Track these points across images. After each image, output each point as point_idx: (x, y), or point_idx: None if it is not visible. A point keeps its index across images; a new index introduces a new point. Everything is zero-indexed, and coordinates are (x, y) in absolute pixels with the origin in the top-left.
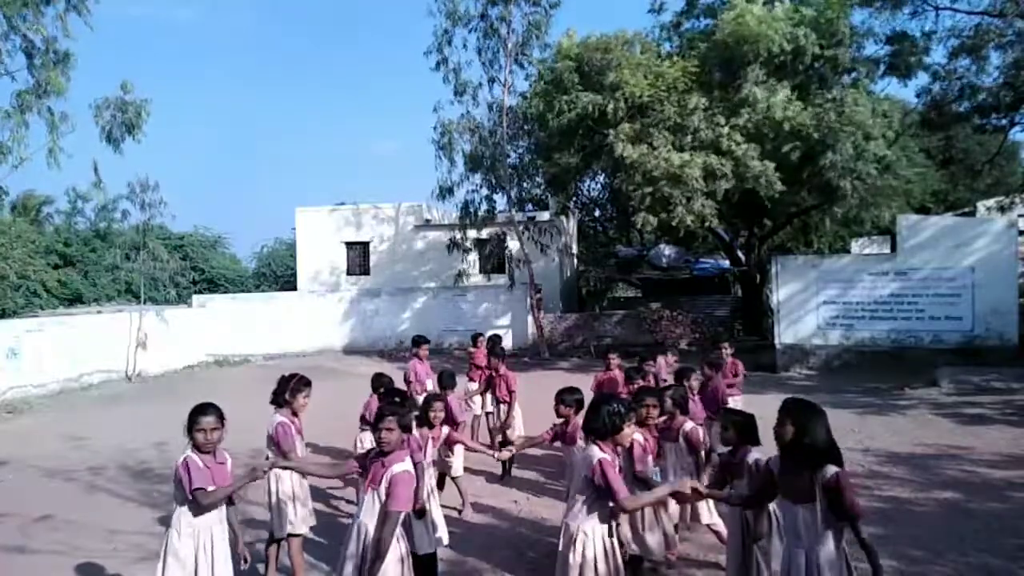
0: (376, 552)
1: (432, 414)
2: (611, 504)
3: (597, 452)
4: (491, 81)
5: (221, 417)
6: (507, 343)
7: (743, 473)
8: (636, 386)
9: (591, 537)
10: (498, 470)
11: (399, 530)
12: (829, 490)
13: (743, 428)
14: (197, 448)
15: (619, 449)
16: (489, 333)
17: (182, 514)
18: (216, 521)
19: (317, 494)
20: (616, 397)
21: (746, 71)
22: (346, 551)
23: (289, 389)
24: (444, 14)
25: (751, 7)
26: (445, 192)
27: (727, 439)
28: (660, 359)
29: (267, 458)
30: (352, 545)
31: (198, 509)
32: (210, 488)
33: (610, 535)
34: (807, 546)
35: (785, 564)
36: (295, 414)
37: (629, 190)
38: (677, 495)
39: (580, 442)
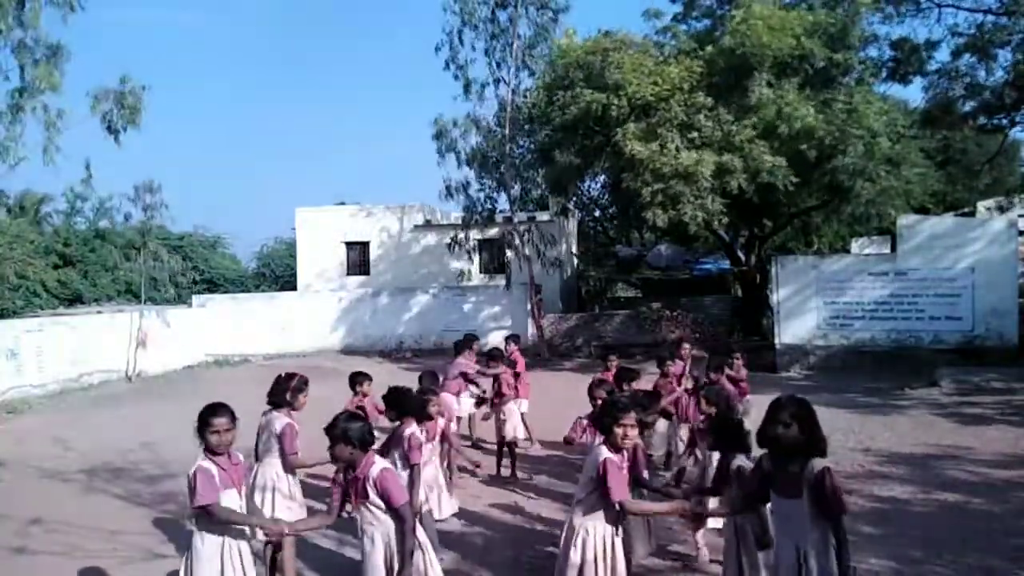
0: (404, 551)
1: (432, 408)
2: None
3: (604, 451)
4: (496, 82)
5: (233, 417)
6: None
7: (730, 480)
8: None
9: (592, 535)
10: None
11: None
12: (816, 486)
13: (723, 435)
14: (210, 450)
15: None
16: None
17: (200, 519)
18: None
19: (316, 494)
20: (618, 395)
21: (753, 76)
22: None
23: (290, 389)
24: (456, 13)
25: (759, 9)
26: (454, 191)
27: (712, 445)
28: (683, 349)
29: (256, 453)
30: (374, 561)
31: (211, 522)
32: (227, 501)
33: (616, 535)
34: (796, 541)
35: (776, 558)
36: (291, 415)
37: (636, 187)
38: (683, 513)
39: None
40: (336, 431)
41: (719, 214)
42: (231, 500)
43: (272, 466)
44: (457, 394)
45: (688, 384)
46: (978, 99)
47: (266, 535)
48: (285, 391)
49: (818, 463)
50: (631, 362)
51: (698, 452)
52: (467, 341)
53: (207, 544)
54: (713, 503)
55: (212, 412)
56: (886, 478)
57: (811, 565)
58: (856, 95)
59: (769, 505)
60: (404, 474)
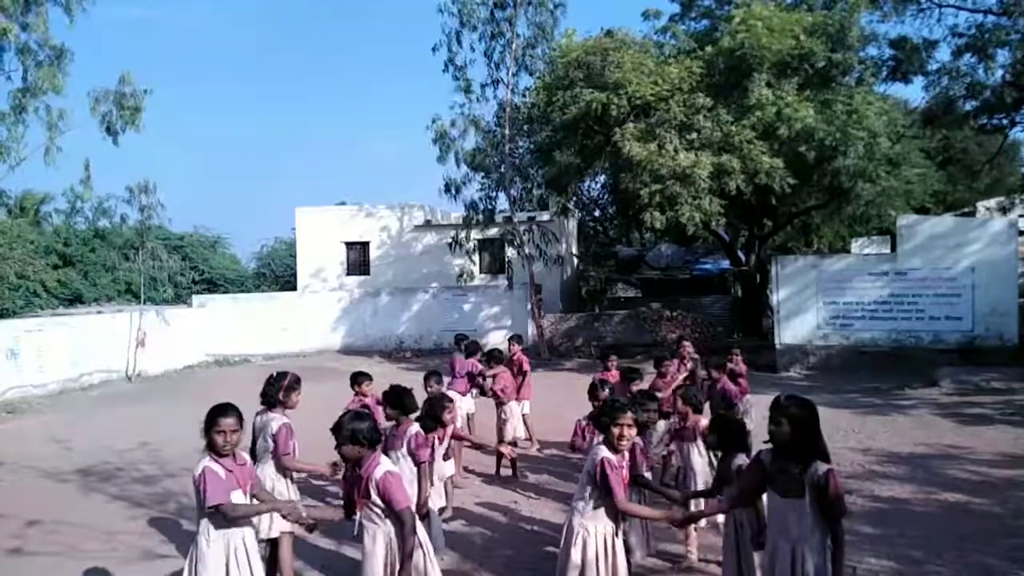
0: (404, 554)
1: (448, 415)
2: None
3: (602, 451)
4: (496, 83)
5: (240, 419)
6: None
7: (731, 479)
8: (636, 388)
9: (592, 535)
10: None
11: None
12: (819, 488)
13: (725, 433)
14: (215, 451)
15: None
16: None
17: (208, 524)
18: (246, 523)
19: (316, 494)
20: (618, 395)
21: (752, 77)
22: (372, 563)
23: (283, 388)
24: (453, 14)
25: (759, 9)
26: (453, 188)
27: (712, 444)
28: (684, 347)
29: (253, 453)
30: (374, 560)
31: (223, 522)
32: (235, 501)
33: (616, 534)
34: (793, 541)
35: (770, 557)
36: (286, 415)
37: (635, 188)
38: (673, 520)
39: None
40: (343, 432)
41: (717, 215)
42: (237, 502)
43: (271, 466)
44: (463, 394)
45: (685, 376)
46: (978, 99)
47: (285, 517)
48: (278, 390)
49: (822, 465)
50: (631, 362)
51: (676, 450)
52: (475, 344)
53: (213, 547)
54: (712, 503)
55: (220, 412)
56: (886, 478)
57: (808, 566)
58: (856, 95)
59: (767, 503)
60: (414, 469)
